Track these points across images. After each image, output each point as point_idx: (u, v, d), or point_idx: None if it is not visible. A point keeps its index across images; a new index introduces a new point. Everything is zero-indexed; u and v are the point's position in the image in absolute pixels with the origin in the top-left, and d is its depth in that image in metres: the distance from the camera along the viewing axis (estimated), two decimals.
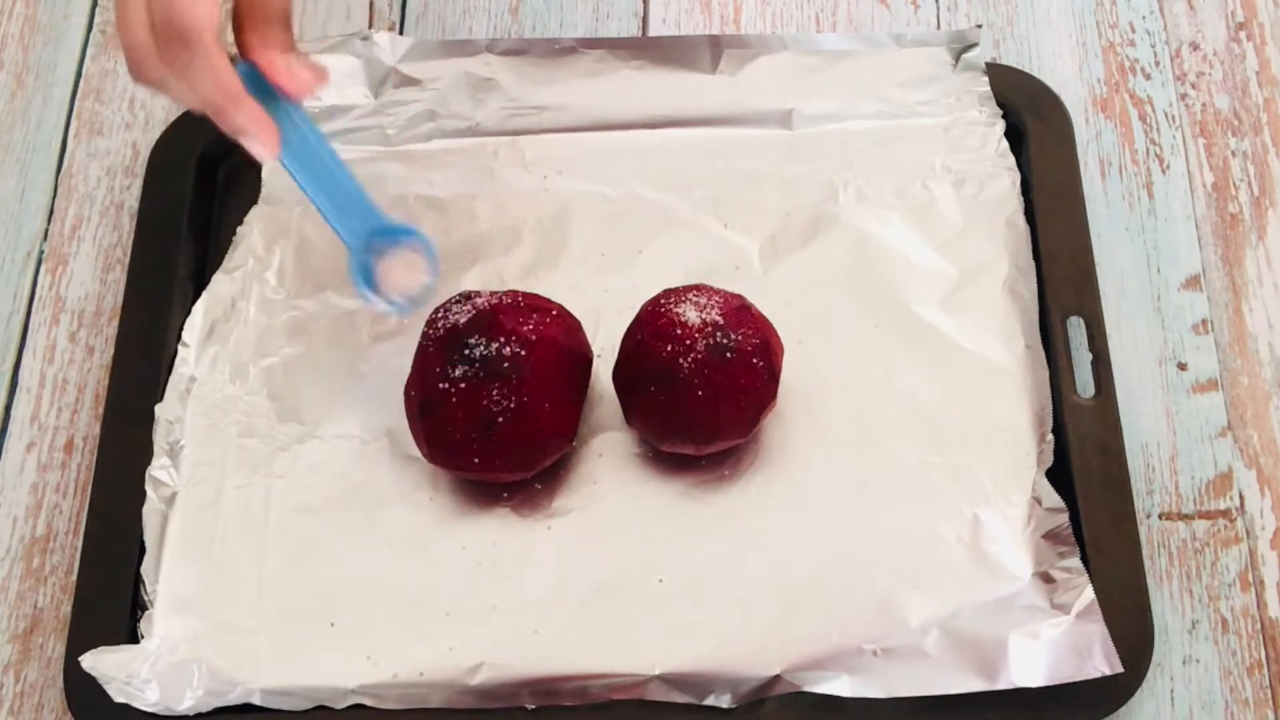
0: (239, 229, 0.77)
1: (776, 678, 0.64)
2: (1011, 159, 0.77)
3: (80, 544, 0.69)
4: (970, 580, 0.66)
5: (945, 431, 0.70)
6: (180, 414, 0.71)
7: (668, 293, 0.68)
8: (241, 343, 0.73)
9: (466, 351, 0.65)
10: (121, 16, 0.61)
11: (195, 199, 0.77)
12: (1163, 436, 0.72)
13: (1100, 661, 0.62)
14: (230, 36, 0.65)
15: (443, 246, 0.75)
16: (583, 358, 0.69)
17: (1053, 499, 0.67)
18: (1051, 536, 0.66)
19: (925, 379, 0.71)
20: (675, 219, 0.76)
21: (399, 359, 0.71)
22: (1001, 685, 0.62)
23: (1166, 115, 0.81)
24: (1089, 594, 0.64)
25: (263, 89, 0.64)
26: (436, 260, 0.70)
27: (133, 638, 0.66)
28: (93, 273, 0.78)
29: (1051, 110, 0.78)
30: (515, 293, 0.68)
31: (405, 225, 0.70)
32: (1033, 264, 0.74)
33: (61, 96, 0.84)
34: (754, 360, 0.66)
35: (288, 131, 0.65)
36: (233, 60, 0.63)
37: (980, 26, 0.81)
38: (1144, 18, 0.84)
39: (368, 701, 0.65)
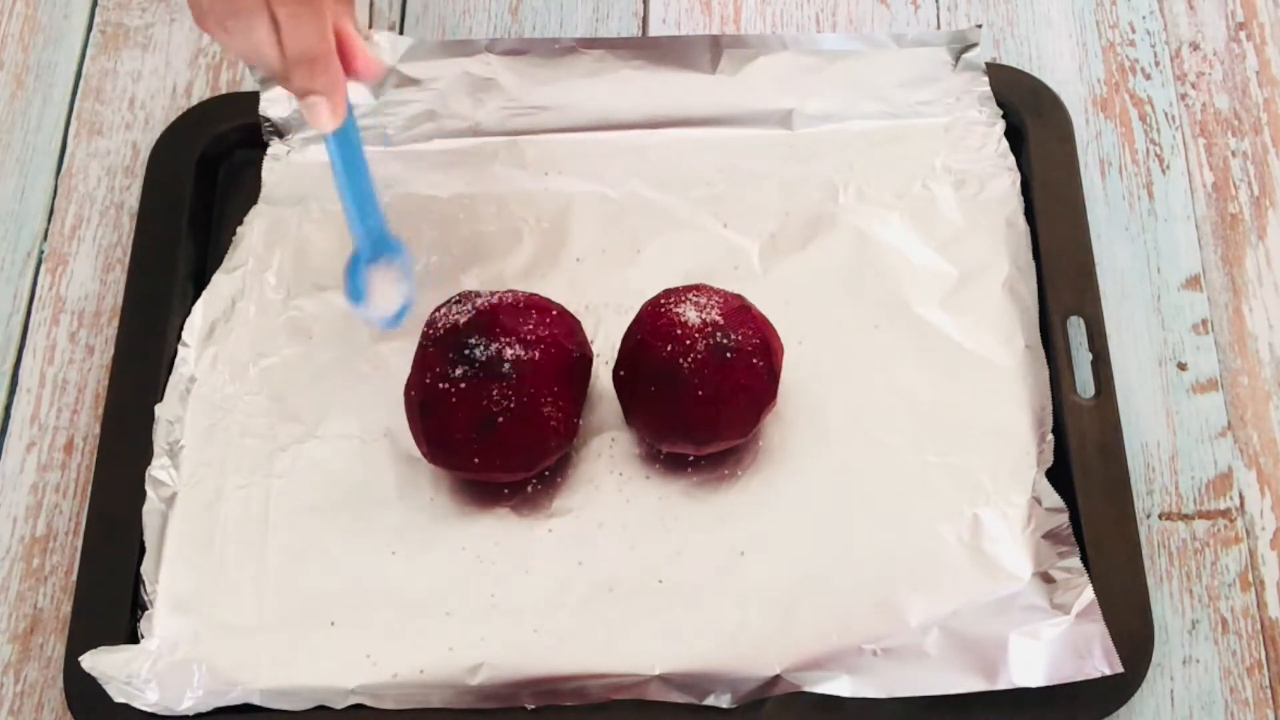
0: (239, 229, 0.77)
1: (776, 678, 0.64)
2: (1011, 159, 0.77)
3: (80, 544, 0.69)
4: (970, 580, 0.66)
5: (945, 431, 0.70)
6: (180, 414, 0.71)
7: (668, 293, 0.68)
8: (241, 343, 0.73)
9: (466, 351, 0.65)
10: None
11: (195, 199, 0.77)
12: (1163, 436, 0.72)
13: (1100, 661, 0.62)
14: None
15: (442, 246, 0.76)
16: (583, 358, 0.69)
17: (1053, 499, 0.67)
18: (1051, 536, 0.66)
19: (925, 379, 0.71)
20: (675, 219, 0.76)
21: (399, 359, 0.71)
22: (1001, 685, 0.62)
23: (1166, 115, 0.81)
24: (1089, 594, 0.64)
25: None
26: (414, 285, 0.70)
27: (133, 638, 0.66)
28: (93, 273, 0.78)
29: (1051, 110, 0.78)
30: (515, 293, 0.68)
31: (399, 242, 0.70)
32: (1033, 264, 0.74)
33: (61, 96, 0.83)
34: (754, 360, 0.66)
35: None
36: None
37: (980, 26, 0.81)
38: (1144, 18, 0.84)
39: (368, 701, 0.65)
